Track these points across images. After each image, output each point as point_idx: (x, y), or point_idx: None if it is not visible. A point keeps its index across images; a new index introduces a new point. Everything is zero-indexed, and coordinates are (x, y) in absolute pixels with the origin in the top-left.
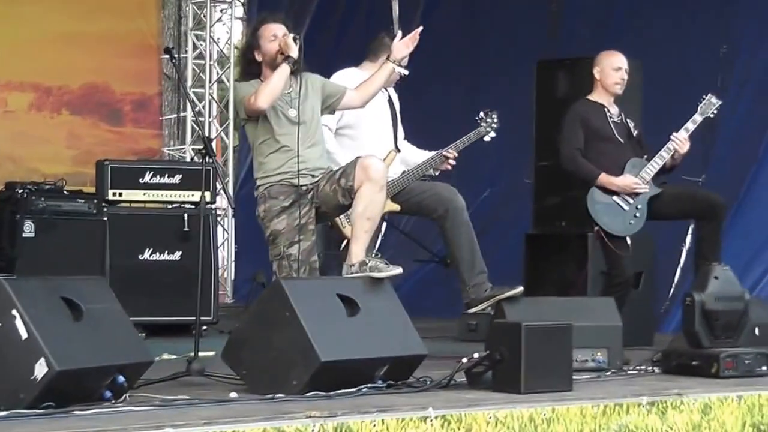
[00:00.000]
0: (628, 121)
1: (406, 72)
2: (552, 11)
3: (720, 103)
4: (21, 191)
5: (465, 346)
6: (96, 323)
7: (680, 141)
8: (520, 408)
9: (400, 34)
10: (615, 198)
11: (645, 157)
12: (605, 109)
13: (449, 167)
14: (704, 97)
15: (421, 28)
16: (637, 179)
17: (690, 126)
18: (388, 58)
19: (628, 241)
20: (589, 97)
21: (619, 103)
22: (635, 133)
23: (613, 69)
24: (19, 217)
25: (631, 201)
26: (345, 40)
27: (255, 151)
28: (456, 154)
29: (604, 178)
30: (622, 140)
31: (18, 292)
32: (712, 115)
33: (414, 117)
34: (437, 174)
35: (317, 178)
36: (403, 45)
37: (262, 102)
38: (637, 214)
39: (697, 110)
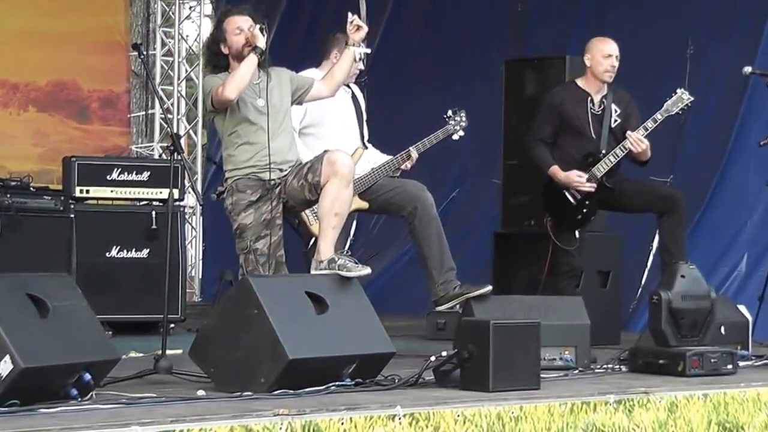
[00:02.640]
0: (615, 110)
1: (368, 50)
2: (517, 11)
3: (692, 99)
4: None
5: (433, 345)
6: (62, 320)
7: (633, 140)
8: (488, 406)
9: (350, 17)
10: (565, 191)
11: (602, 152)
12: (588, 99)
13: (408, 167)
14: (675, 92)
15: (353, 15)
16: (581, 175)
17: (649, 124)
18: (346, 44)
19: (576, 234)
20: (578, 81)
21: (612, 90)
22: (615, 124)
23: (603, 56)
24: None
25: (578, 196)
26: (313, 39)
27: (224, 143)
28: (416, 155)
29: (553, 170)
30: (594, 135)
31: None
32: (680, 113)
33: (380, 117)
34: (397, 175)
35: (285, 173)
36: (354, 27)
37: (229, 92)
38: (585, 210)
39: (662, 106)
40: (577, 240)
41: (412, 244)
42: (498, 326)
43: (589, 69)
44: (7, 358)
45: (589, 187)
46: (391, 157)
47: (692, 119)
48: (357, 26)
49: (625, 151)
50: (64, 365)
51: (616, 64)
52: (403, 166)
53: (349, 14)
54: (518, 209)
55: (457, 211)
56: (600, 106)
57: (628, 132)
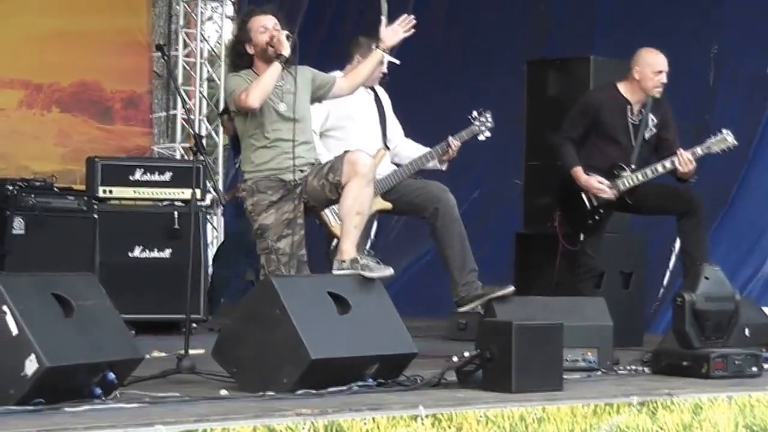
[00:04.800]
0: (652, 119)
1: (397, 61)
2: (539, 11)
3: (735, 144)
4: (11, 188)
5: (455, 345)
6: (86, 320)
7: (684, 160)
8: (510, 407)
9: (385, 21)
10: (583, 193)
11: (632, 166)
12: (628, 107)
13: (453, 155)
14: (720, 132)
15: (408, 16)
16: (603, 182)
17: (698, 151)
18: (377, 47)
19: (581, 237)
20: (620, 85)
21: (651, 98)
22: (649, 135)
23: (653, 72)
24: (9, 213)
25: (595, 202)
26: (334, 42)
27: (243, 144)
28: (458, 143)
29: (576, 170)
30: (627, 145)
31: (8, 288)
32: (719, 153)
33: (399, 117)
34: (444, 168)
35: (306, 173)
36: (392, 32)
37: (252, 101)
38: (597, 217)
39: (709, 138)
40: (580, 242)
41: (434, 245)
42: (520, 327)
43: (637, 81)
44: (33, 357)
45: (610, 195)
46: (429, 149)
47: (715, 119)
48: (395, 32)
49: (668, 168)
50: (88, 364)
51: (666, 80)
52: (446, 156)
53: (384, 19)
54: (540, 210)
55: (478, 212)
56: (638, 116)
57: (680, 150)
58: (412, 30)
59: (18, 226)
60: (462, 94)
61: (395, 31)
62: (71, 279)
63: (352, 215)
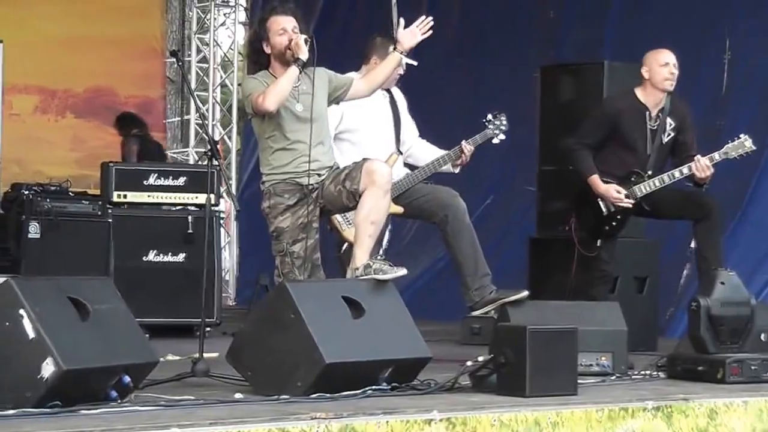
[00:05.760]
0: (670, 123)
1: (414, 62)
2: (550, 17)
3: (753, 148)
4: (27, 192)
5: (468, 350)
6: (102, 323)
7: (701, 166)
8: (524, 411)
9: (403, 22)
10: (600, 200)
11: (648, 172)
12: (647, 114)
13: (466, 159)
14: (739, 137)
15: (425, 18)
16: (620, 191)
17: (716, 157)
18: (395, 49)
19: (597, 242)
20: (637, 91)
21: (671, 101)
22: (666, 140)
23: (660, 65)
24: (25, 218)
25: (612, 208)
26: (347, 45)
27: (261, 145)
28: (471, 148)
29: (593, 179)
30: (644, 152)
31: (25, 291)
32: (737, 158)
33: (415, 121)
34: (457, 171)
35: (323, 177)
36: (410, 34)
37: (269, 104)
38: (614, 223)
39: (726, 144)
40: (597, 247)
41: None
42: (534, 332)
43: (648, 81)
44: (49, 360)
45: (627, 203)
46: (444, 152)
47: (729, 124)
48: (412, 34)
49: (684, 174)
50: (104, 367)
51: (675, 71)
52: (459, 161)
53: (402, 21)
54: (554, 215)
55: (492, 216)
56: (656, 121)
57: (698, 156)
58: (430, 32)
59: (34, 230)
60: (472, 99)
61: (413, 33)
62: (87, 283)
63: (366, 224)
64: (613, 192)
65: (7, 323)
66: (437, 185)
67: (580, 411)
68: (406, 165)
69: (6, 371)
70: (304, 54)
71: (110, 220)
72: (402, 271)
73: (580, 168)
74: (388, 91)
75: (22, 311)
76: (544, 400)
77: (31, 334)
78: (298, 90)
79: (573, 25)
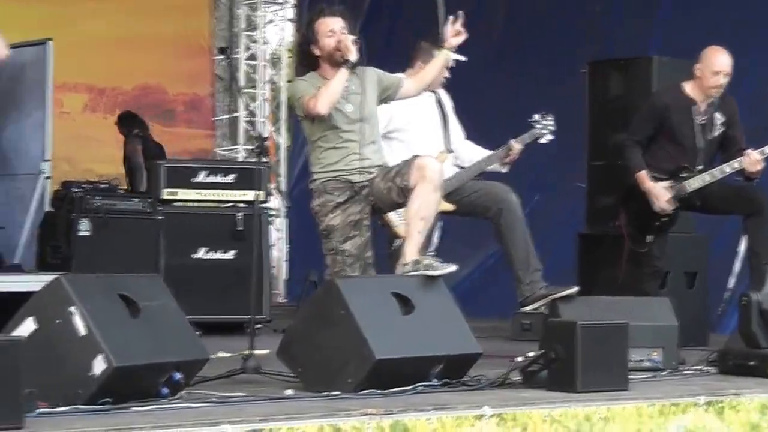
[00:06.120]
0: (718, 118)
1: (463, 58)
2: (597, 12)
3: None
4: (77, 190)
5: (519, 346)
6: (153, 320)
7: (751, 161)
8: (575, 407)
9: (450, 20)
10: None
11: (698, 167)
12: (694, 107)
13: (515, 158)
14: None
15: (463, 17)
16: (668, 192)
17: (766, 150)
18: (441, 47)
19: (648, 238)
20: (686, 85)
21: (720, 96)
22: (716, 134)
23: (712, 72)
24: (75, 215)
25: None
26: (392, 47)
27: (311, 146)
28: (519, 147)
29: (641, 175)
30: (693, 146)
31: (76, 288)
32: None
33: (462, 121)
34: (505, 170)
35: (373, 175)
36: (456, 32)
37: (321, 107)
38: (665, 218)
39: None
40: (647, 243)
41: (498, 246)
42: (585, 327)
43: (699, 79)
44: (101, 357)
45: (665, 207)
46: (491, 151)
47: None
48: (457, 32)
49: (735, 169)
50: (155, 364)
51: (724, 81)
52: (507, 160)
53: (449, 17)
54: (603, 210)
55: (541, 213)
56: (705, 116)
57: (748, 151)
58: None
59: (84, 228)
60: (521, 97)
61: (458, 31)
62: (137, 280)
63: (417, 220)
64: (659, 191)
65: (58, 321)
66: (490, 181)
67: (630, 406)
68: (455, 167)
69: (57, 369)
70: (353, 55)
71: (160, 218)
72: (452, 268)
73: (629, 163)
74: (435, 92)
75: (73, 308)
76: (595, 396)
77: (82, 332)
78: (348, 90)
79: (619, 19)
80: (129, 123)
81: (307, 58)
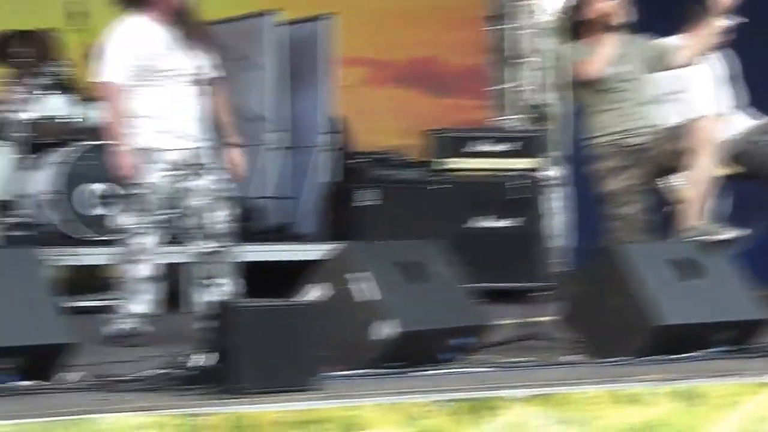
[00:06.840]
0: None
1: (744, 19)
2: None
3: None
4: (360, 161)
5: None
6: (435, 286)
7: None
8: None
9: None
10: None
11: None
12: None
13: None
14: None
15: None
16: None
17: None
18: (713, 13)
19: None
20: None
21: None
22: None
23: None
24: (357, 186)
25: None
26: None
27: (586, 111)
28: None
29: None
30: None
31: (362, 255)
32: None
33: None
34: None
35: (649, 138)
36: None
37: (595, 71)
38: None
39: None
40: None
41: None
42: None
43: None
44: (388, 321)
45: None
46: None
47: None
48: None
49: None
50: (438, 329)
51: None
52: None
53: None
54: None
55: None
56: None
57: None
58: None
59: (366, 197)
60: None
61: None
62: (419, 247)
63: (697, 183)
64: None
65: (345, 286)
66: None
67: None
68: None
69: (342, 332)
70: (622, 18)
71: (439, 186)
72: (733, 233)
73: None
74: (712, 55)
75: (359, 275)
76: None
77: (368, 297)
78: (620, 53)
79: None
80: None
81: (577, 23)
